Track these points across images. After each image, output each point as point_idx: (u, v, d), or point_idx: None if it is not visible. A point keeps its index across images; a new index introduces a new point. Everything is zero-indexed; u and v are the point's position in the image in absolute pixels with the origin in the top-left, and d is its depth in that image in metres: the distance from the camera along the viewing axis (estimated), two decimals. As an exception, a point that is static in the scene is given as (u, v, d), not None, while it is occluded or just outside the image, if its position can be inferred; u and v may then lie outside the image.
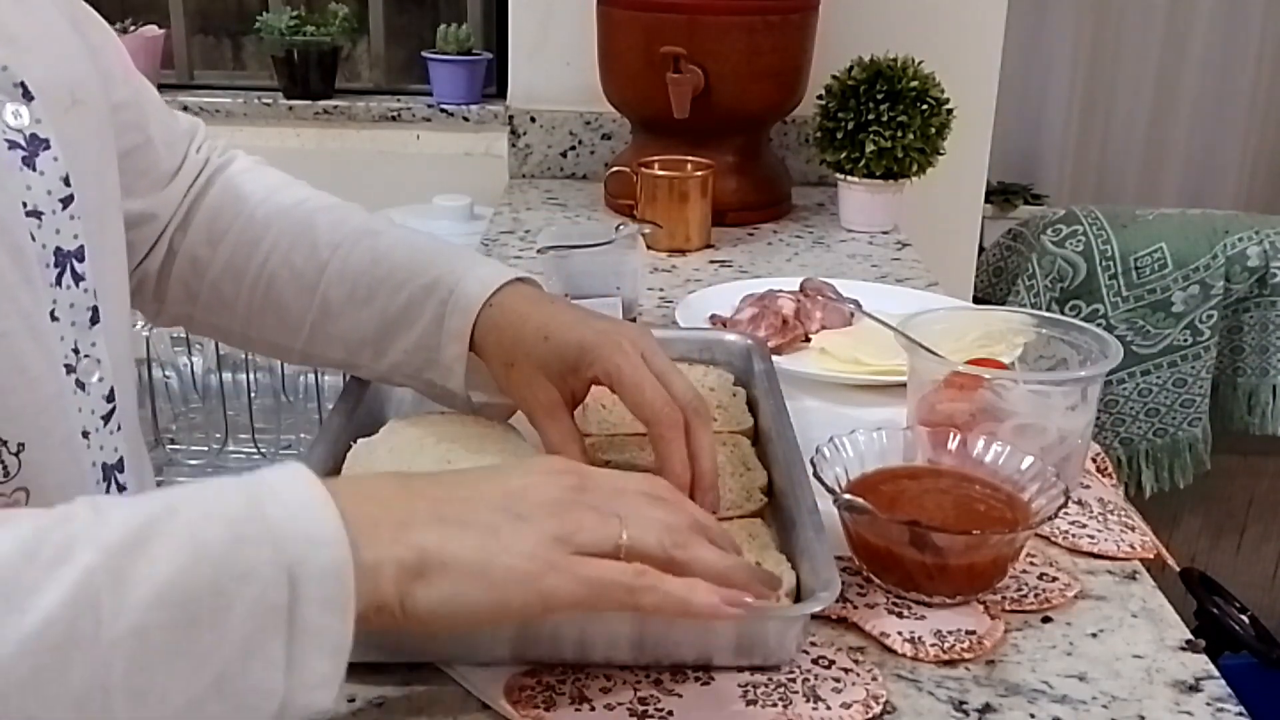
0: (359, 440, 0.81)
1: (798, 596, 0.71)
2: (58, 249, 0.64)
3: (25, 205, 0.63)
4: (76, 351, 0.66)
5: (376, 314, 0.81)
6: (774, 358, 1.06)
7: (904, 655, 0.70)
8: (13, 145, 0.62)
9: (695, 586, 0.56)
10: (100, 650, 0.45)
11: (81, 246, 0.66)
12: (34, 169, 0.63)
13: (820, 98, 1.65)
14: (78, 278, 0.65)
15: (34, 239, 0.63)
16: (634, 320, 1.21)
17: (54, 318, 0.65)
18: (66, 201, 0.65)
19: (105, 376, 0.69)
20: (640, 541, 0.57)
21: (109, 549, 0.46)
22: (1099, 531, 0.85)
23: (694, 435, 0.72)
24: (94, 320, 0.67)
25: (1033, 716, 0.66)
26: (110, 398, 0.71)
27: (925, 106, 1.58)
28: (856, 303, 1.21)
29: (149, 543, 0.47)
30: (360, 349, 0.83)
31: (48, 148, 0.64)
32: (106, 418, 0.70)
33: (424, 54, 2.18)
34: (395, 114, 2.16)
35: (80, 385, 0.67)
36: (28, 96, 0.64)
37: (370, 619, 0.52)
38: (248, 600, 0.47)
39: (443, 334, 0.79)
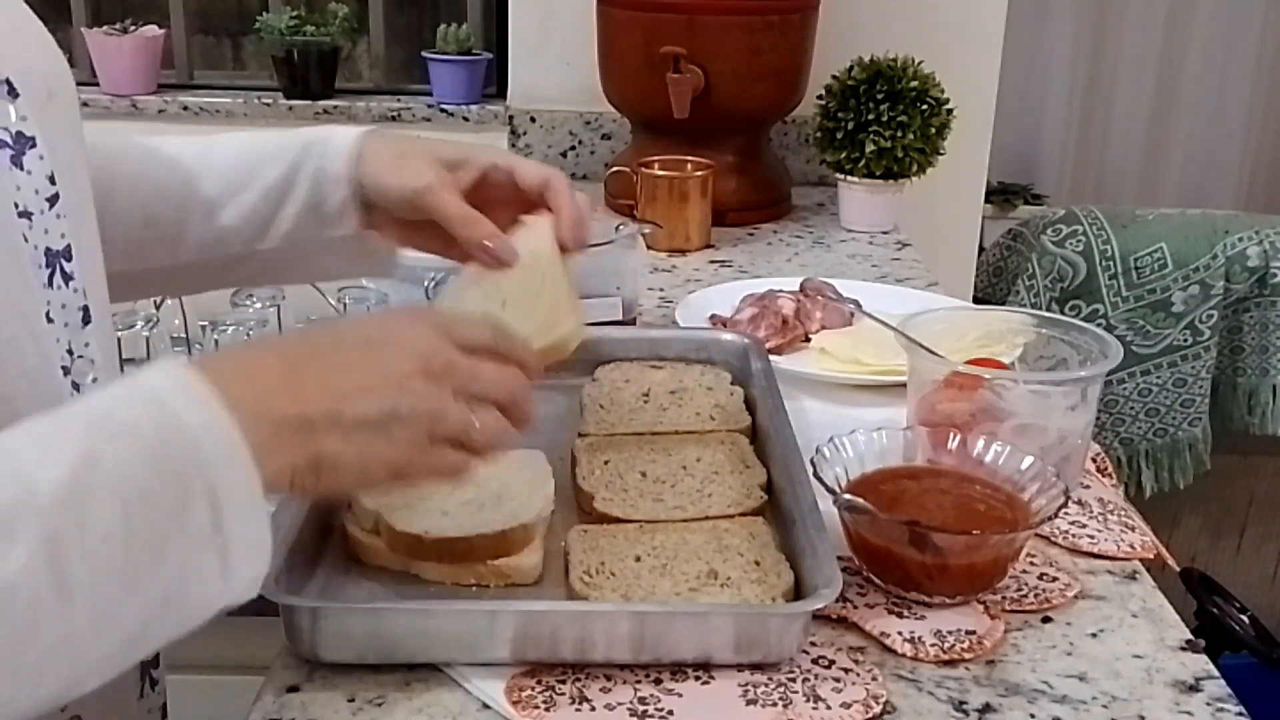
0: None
1: (799, 594, 0.71)
2: (48, 249, 0.63)
3: (17, 206, 0.62)
4: (71, 353, 0.65)
5: (257, 192, 0.85)
6: (774, 358, 1.06)
7: (904, 655, 0.70)
8: (1, 145, 0.61)
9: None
10: (62, 607, 0.49)
11: (69, 245, 0.65)
12: (22, 168, 0.62)
13: (820, 98, 1.65)
14: (67, 278, 0.65)
15: (26, 240, 0.62)
16: (633, 321, 1.21)
17: (49, 319, 0.64)
18: (53, 200, 0.64)
19: (99, 377, 0.68)
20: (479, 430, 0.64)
21: (47, 515, 0.49)
22: (1099, 531, 0.85)
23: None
24: (85, 320, 0.66)
25: (1033, 716, 0.66)
26: None
27: (925, 106, 1.58)
28: (856, 303, 1.21)
29: (82, 504, 0.50)
30: (253, 232, 0.86)
31: (34, 145, 0.63)
32: None
33: (424, 54, 2.18)
34: (395, 114, 2.16)
35: (75, 387, 0.66)
36: (13, 94, 0.63)
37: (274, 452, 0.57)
38: (179, 532, 0.52)
39: (326, 181, 0.84)
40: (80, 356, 0.66)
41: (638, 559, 0.75)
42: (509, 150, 0.89)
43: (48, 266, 0.63)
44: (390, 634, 0.67)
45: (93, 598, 0.50)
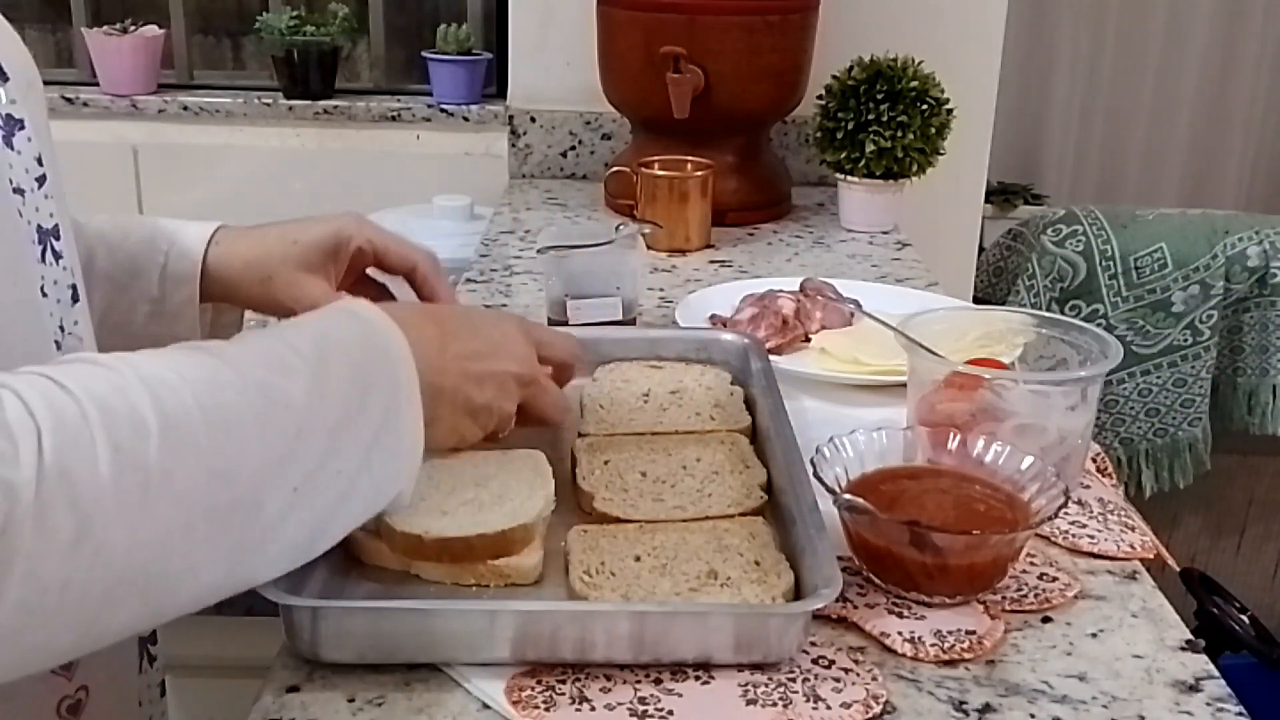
0: None
1: (799, 594, 0.71)
2: (39, 227, 0.65)
3: (11, 183, 0.64)
4: (62, 328, 0.67)
5: (104, 282, 0.85)
6: (774, 358, 1.06)
7: (904, 655, 0.70)
8: None
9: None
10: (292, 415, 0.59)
11: (57, 225, 0.67)
12: (13, 148, 0.64)
13: (820, 98, 1.65)
14: (57, 255, 0.66)
15: (21, 215, 0.64)
16: (633, 321, 1.21)
17: (44, 293, 0.65)
18: (41, 180, 0.66)
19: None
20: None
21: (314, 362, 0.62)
22: (1099, 531, 0.85)
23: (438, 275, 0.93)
24: (74, 298, 0.68)
25: (1033, 716, 0.66)
26: None
27: (925, 106, 1.58)
28: (856, 303, 1.21)
29: (325, 357, 0.62)
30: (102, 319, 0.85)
31: (22, 128, 0.65)
32: None
33: (424, 54, 2.18)
34: (395, 114, 2.16)
35: None
36: (4, 77, 0.65)
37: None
38: (378, 397, 0.64)
39: (167, 281, 0.85)
40: (70, 333, 0.67)
41: (638, 559, 0.75)
42: (361, 216, 0.92)
43: (40, 243, 0.65)
44: (390, 634, 0.67)
45: (327, 425, 0.61)
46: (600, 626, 0.67)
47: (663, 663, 0.67)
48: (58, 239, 0.67)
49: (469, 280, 1.40)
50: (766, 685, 0.66)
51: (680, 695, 0.66)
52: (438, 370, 0.70)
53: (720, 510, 0.81)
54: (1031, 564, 0.80)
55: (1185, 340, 2.15)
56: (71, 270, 0.68)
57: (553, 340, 0.84)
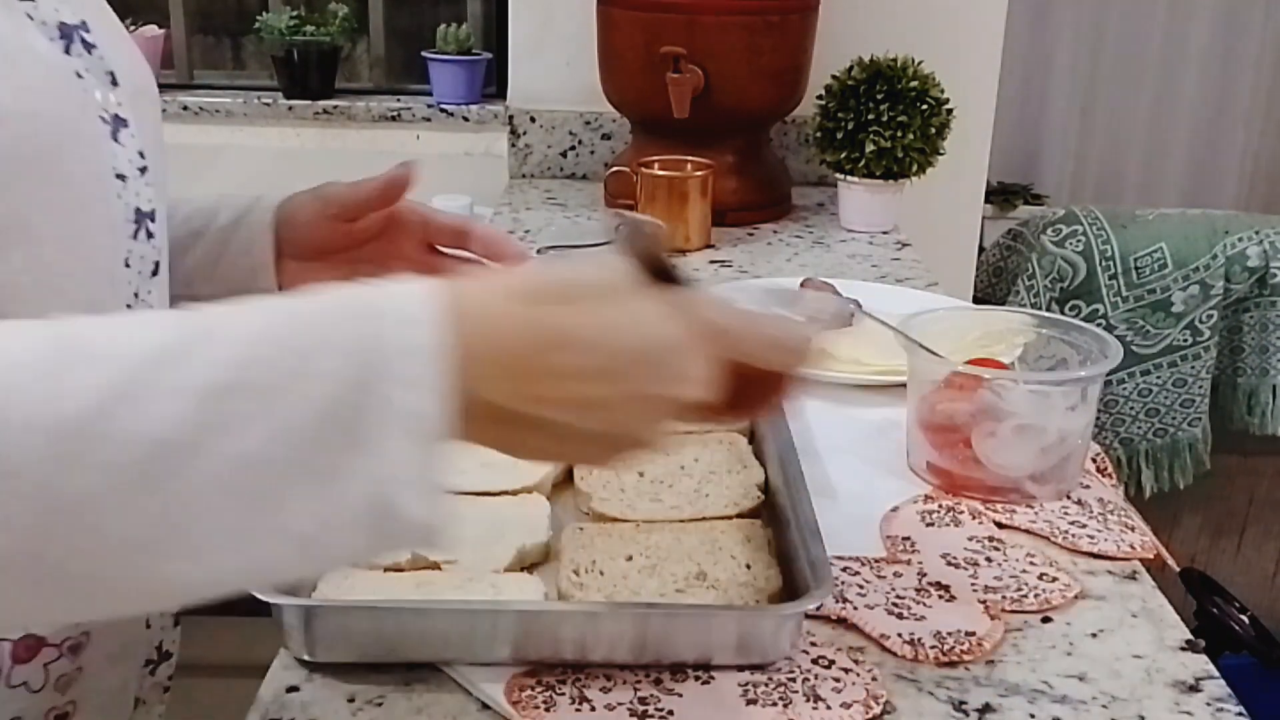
0: None
1: (795, 595, 0.71)
2: (137, 209, 0.73)
3: (114, 169, 0.72)
4: (137, 296, 0.74)
5: (201, 249, 0.90)
6: (774, 358, 1.06)
7: (904, 657, 0.70)
8: (104, 120, 0.72)
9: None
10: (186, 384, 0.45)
11: (154, 210, 0.75)
12: (118, 142, 0.72)
13: (820, 98, 1.65)
14: (149, 235, 0.74)
15: (120, 198, 0.72)
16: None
17: (127, 264, 0.72)
18: (143, 170, 0.74)
19: None
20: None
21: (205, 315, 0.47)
22: (1099, 531, 0.85)
23: None
24: (155, 272, 0.75)
25: (1033, 716, 0.66)
26: None
27: (925, 106, 1.58)
28: (856, 303, 1.21)
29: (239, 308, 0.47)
30: (195, 281, 0.89)
31: (126, 126, 0.73)
32: None
33: (424, 54, 2.18)
34: (395, 114, 2.16)
35: None
36: (114, 83, 0.73)
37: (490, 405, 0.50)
38: (317, 372, 0.46)
39: (254, 234, 0.89)
40: (144, 301, 0.75)
41: (629, 558, 0.75)
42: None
43: (135, 222, 0.73)
44: (390, 634, 0.67)
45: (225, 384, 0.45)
46: (600, 626, 0.67)
47: (662, 663, 0.67)
48: (153, 221, 0.75)
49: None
50: (766, 685, 0.66)
51: (680, 695, 0.66)
52: (514, 394, 0.50)
53: (717, 510, 0.82)
54: (1031, 564, 0.80)
55: (1185, 340, 2.15)
56: (160, 249, 0.75)
57: (771, 351, 0.57)
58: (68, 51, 0.71)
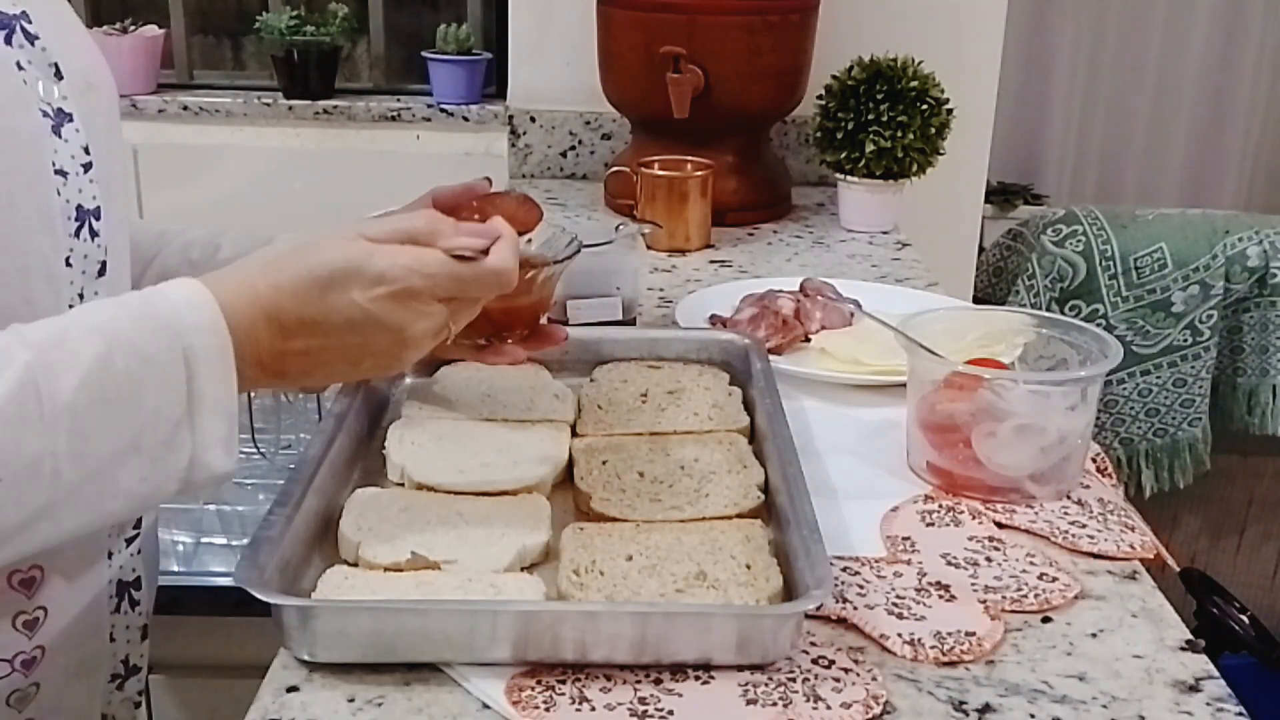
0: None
1: (794, 595, 0.71)
2: (79, 206, 0.72)
3: (54, 165, 0.71)
4: (82, 296, 0.73)
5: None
6: (774, 358, 1.06)
7: (904, 658, 0.70)
8: (45, 114, 0.71)
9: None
10: (45, 425, 0.59)
11: (99, 207, 0.74)
12: (60, 137, 0.72)
13: (820, 98, 1.65)
14: (93, 233, 0.74)
15: (59, 194, 0.71)
16: (633, 321, 1.20)
17: (68, 264, 0.72)
18: (87, 167, 0.73)
19: None
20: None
21: (38, 346, 0.60)
22: (1099, 531, 0.85)
23: None
24: (101, 272, 0.75)
25: (1033, 716, 0.66)
26: None
27: (925, 106, 1.58)
28: (856, 303, 1.21)
29: (67, 340, 0.61)
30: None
31: (70, 120, 0.73)
32: None
33: (424, 54, 2.18)
34: (395, 114, 2.16)
35: None
36: (59, 76, 0.73)
37: (253, 381, 0.69)
38: (155, 379, 0.63)
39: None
40: (89, 302, 0.74)
41: (629, 558, 0.75)
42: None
43: (78, 220, 0.73)
44: (390, 634, 0.67)
45: (72, 420, 0.60)
46: (601, 627, 0.67)
47: (662, 663, 0.67)
48: (98, 219, 0.74)
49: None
50: (766, 685, 0.66)
51: (680, 695, 0.66)
52: (273, 373, 0.70)
53: (717, 510, 0.81)
54: (1031, 564, 0.80)
55: (1185, 340, 2.15)
56: (106, 249, 0.75)
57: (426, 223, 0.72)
58: (8, 42, 0.70)
